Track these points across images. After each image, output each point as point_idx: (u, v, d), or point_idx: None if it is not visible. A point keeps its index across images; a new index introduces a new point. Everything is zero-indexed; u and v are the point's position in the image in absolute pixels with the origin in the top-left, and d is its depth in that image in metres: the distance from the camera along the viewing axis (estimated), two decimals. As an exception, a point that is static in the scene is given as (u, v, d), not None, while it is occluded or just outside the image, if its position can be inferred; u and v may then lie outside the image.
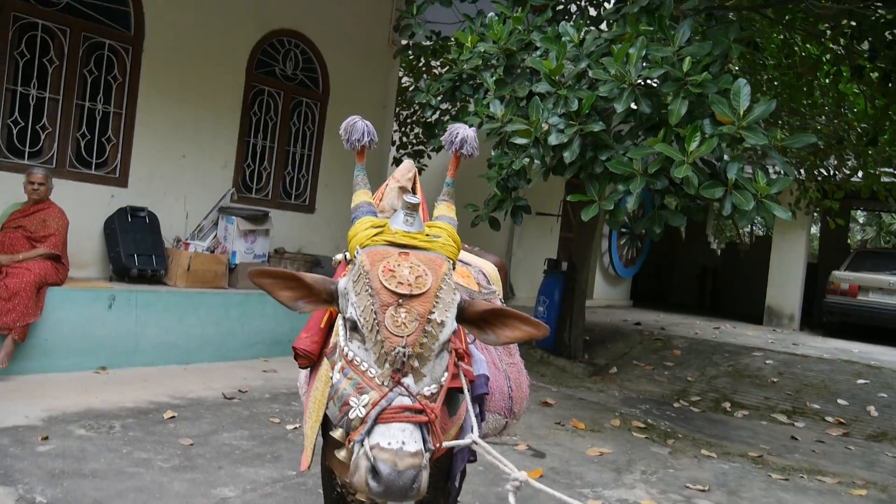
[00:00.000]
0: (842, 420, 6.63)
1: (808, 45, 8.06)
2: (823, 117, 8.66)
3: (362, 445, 1.42)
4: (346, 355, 1.55)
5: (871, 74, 7.17)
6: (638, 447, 5.22)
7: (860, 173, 8.70)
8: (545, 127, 4.40)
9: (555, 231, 12.17)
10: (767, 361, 8.39)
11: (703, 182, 3.85)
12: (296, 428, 4.61)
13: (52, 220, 5.24)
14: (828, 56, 8.03)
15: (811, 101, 8.35)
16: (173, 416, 4.53)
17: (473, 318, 1.69)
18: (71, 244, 5.47)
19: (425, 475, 1.42)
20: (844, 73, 7.83)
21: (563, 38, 4.57)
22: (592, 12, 6.98)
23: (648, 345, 9.10)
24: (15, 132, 5.68)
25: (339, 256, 2.01)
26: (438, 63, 9.92)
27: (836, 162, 9.32)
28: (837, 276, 11.83)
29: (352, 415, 1.47)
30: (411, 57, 9.12)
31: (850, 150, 8.37)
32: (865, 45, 6.88)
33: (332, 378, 1.60)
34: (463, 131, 1.80)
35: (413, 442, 1.41)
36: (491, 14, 5.59)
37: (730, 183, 3.86)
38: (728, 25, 4.26)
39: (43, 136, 5.84)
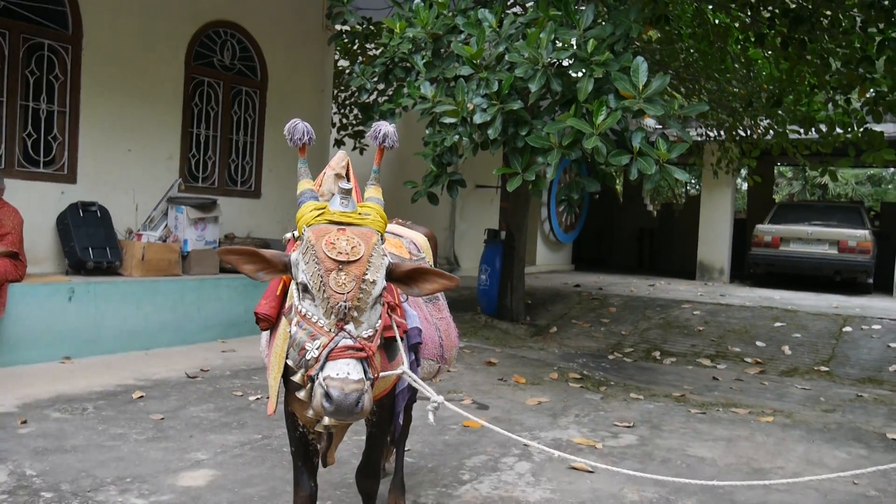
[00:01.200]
0: (759, 360, 7.29)
1: (718, 15, 8.60)
2: (735, 81, 9.26)
3: (317, 378, 1.83)
4: (301, 311, 1.94)
5: (774, 40, 7.74)
6: (573, 395, 5.73)
7: (771, 132, 9.34)
8: (470, 107, 4.81)
9: (495, 202, 12.61)
10: (695, 312, 9.04)
11: (611, 151, 4.31)
12: (258, 399, 4.98)
13: (6, 219, 5.45)
14: (737, 24, 8.60)
15: (724, 66, 8.92)
16: (142, 396, 4.85)
17: (401, 277, 2.11)
18: (26, 241, 5.68)
19: (367, 397, 1.83)
20: (752, 40, 8.41)
21: (483, 24, 4.96)
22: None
23: (587, 304, 9.68)
24: (-39, 136, 5.85)
25: (288, 235, 2.38)
26: (373, 46, 10.20)
27: (751, 123, 9.96)
28: (760, 229, 12.61)
29: (308, 356, 1.87)
30: (346, 41, 9.38)
31: (760, 112, 8.97)
32: (767, 14, 7.46)
33: (290, 331, 2.00)
34: (384, 128, 2.19)
35: (356, 372, 1.82)
36: (417, 1, 5.93)
37: (634, 151, 4.33)
38: (630, 7, 4.70)
39: (-10, 139, 6.00)
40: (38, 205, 6.14)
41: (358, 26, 7.62)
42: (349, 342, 1.85)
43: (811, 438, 4.82)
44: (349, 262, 1.90)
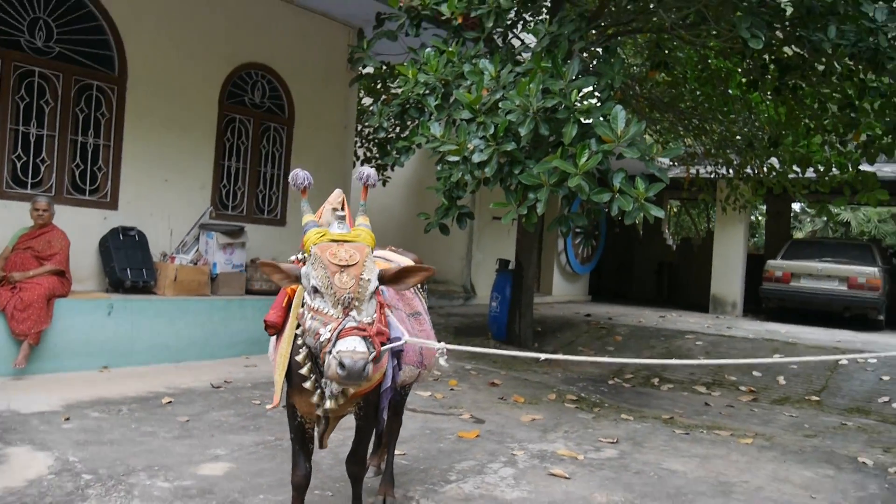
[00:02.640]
0: (752, 388, 7.62)
1: (719, 60, 9.07)
2: (741, 123, 9.69)
3: (330, 353, 2.34)
4: (314, 308, 2.48)
5: (770, 86, 8.17)
6: (567, 414, 6.14)
7: (774, 173, 9.74)
8: (470, 147, 5.33)
9: (512, 234, 13.12)
10: (698, 342, 9.39)
11: (593, 189, 4.79)
12: (274, 407, 5.47)
13: (55, 240, 6.09)
14: (739, 70, 9.06)
15: (727, 109, 9.37)
16: (170, 401, 5.39)
17: (391, 278, 2.69)
18: (71, 261, 6.28)
19: (370, 367, 2.36)
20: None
21: (484, 73, 5.50)
22: (528, 36, 7.90)
23: (594, 333, 10.07)
24: (19, 166, 6.51)
25: (293, 257, 2.91)
26: (394, 84, 10.82)
27: (757, 162, 10.36)
28: (772, 264, 12.91)
29: (322, 339, 2.40)
30: (368, 82, 10.01)
31: (759, 152, 9.38)
32: (762, 61, 7.90)
33: (305, 325, 2.51)
34: (367, 171, 2.78)
35: (361, 346, 2.35)
36: (428, 49, 6.50)
37: (615, 189, 4.81)
38: (615, 60, 5.21)
39: (43, 169, 6.67)
40: (83, 229, 6.76)
41: (378, 70, 8.21)
42: (354, 324, 2.39)
43: (784, 459, 5.16)
44: (349, 266, 2.47)
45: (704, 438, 5.62)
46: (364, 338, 2.38)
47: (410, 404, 5.86)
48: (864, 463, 5.13)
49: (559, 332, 10.07)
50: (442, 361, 2.80)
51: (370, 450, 4.08)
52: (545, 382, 7.46)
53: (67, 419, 4.71)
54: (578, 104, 4.77)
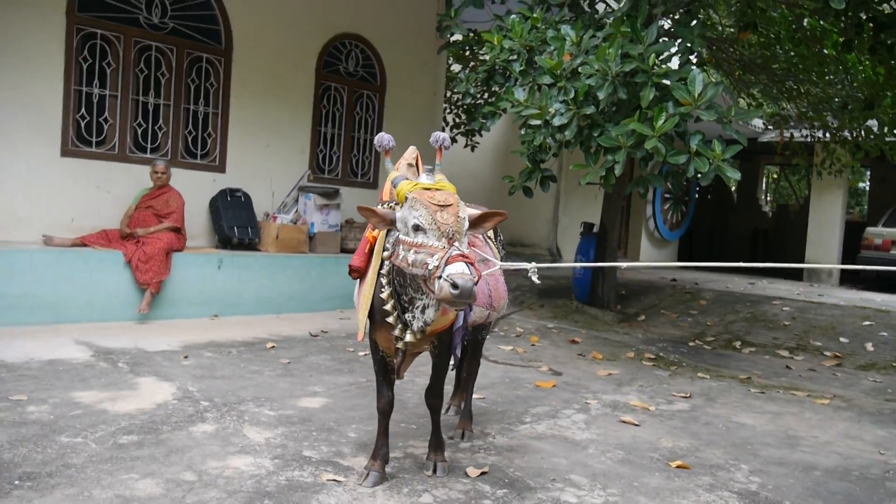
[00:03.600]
0: (838, 354, 7.54)
1: (813, 20, 8.82)
2: (839, 85, 9.39)
3: (440, 278, 2.65)
4: (416, 243, 2.77)
5: (865, 45, 7.91)
6: (643, 371, 6.35)
7: (871, 136, 9.41)
8: (552, 111, 5.55)
9: (599, 198, 13.15)
10: (784, 308, 9.30)
11: (669, 151, 4.94)
12: (366, 354, 5.95)
13: (172, 200, 6.73)
14: (835, 29, 8.78)
15: (823, 69, 9.10)
16: (273, 346, 5.95)
17: (473, 222, 2.98)
18: (185, 219, 6.93)
19: (476, 288, 2.65)
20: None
21: (566, 39, 5.68)
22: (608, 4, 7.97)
23: (678, 297, 10.11)
24: (139, 133, 7.18)
25: (379, 207, 3.27)
26: (482, 51, 11.02)
27: (855, 125, 10.00)
28: (871, 231, 12.48)
29: (430, 266, 2.70)
30: (457, 49, 10.28)
31: (856, 114, 9.08)
32: (857, 20, 7.65)
33: (408, 259, 2.79)
34: (441, 135, 3.12)
35: (468, 269, 2.66)
36: (513, 16, 6.71)
37: (692, 151, 4.94)
38: (695, 23, 5.29)
39: (160, 135, 7.33)
40: (195, 190, 7.40)
41: (465, 37, 8.47)
42: (458, 252, 2.70)
43: (858, 419, 5.20)
44: (447, 206, 2.79)
45: (779, 398, 5.71)
46: (467, 264, 2.68)
47: (492, 357, 6.24)
48: (944, 426, 5.13)
49: (642, 296, 10.16)
50: (535, 279, 3.19)
51: (451, 391, 4.49)
52: (625, 342, 7.66)
53: (186, 357, 5.32)
54: (656, 68, 4.91)
